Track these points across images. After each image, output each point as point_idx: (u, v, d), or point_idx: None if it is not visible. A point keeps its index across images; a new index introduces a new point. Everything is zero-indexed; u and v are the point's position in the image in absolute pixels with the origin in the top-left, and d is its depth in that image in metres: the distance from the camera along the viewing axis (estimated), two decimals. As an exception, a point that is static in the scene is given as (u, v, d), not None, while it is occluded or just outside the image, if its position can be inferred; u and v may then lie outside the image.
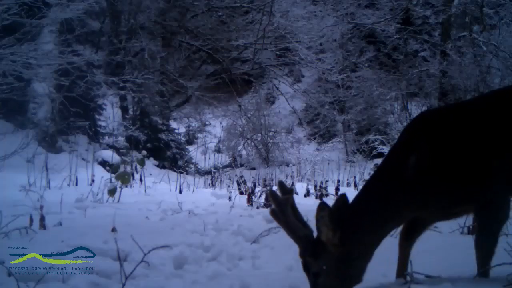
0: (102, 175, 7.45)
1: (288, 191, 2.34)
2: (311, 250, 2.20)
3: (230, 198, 6.63)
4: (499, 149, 2.22)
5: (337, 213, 2.16)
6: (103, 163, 10.96)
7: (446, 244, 3.13)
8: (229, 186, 8.84)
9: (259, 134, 17.25)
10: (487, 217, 2.23)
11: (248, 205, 6.07)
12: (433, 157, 2.23)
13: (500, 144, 2.22)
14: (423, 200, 2.23)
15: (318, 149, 17.44)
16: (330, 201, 6.55)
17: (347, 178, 10.47)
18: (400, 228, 2.47)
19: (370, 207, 2.23)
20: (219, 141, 18.45)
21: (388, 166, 2.35)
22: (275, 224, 4.64)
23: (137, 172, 8.58)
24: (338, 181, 8.68)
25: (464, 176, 2.20)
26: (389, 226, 2.30)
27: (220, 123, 18.92)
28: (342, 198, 2.28)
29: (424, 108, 14.52)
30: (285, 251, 3.66)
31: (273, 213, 2.28)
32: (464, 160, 2.21)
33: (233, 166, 15.61)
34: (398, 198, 2.22)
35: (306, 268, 2.23)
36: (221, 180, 10.89)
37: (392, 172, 2.28)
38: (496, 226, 2.23)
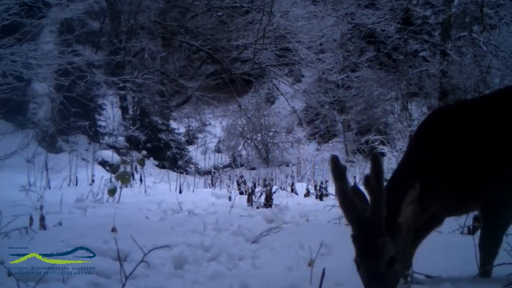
0: (102, 175, 7.45)
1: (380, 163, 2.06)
2: (388, 232, 1.97)
3: (230, 198, 6.62)
4: (507, 148, 2.21)
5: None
6: (103, 163, 10.95)
7: (446, 244, 3.12)
8: (229, 186, 8.83)
9: (259, 134, 17.26)
10: (493, 216, 2.22)
11: (248, 205, 6.06)
12: (445, 156, 2.24)
13: (508, 143, 2.22)
14: (435, 198, 2.23)
15: (318, 149, 17.45)
16: (330, 201, 6.55)
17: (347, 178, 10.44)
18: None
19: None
20: (219, 141, 18.46)
21: (412, 154, 2.34)
22: (275, 224, 4.66)
23: (137, 172, 8.57)
24: (338, 181, 8.66)
25: (473, 175, 2.21)
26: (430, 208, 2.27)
27: (220, 123, 18.92)
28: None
29: (424, 108, 14.53)
30: (285, 251, 3.67)
31: (369, 180, 1.98)
32: (473, 159, 2.22)
33: (233, 166, 15.61)
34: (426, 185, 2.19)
35: (373, 255, 1.96)
36: (221, 180, 10.88)
37: (409, 169, 2.27)
38: (501, 226, 2.23)
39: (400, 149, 11.54)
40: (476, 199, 2.25)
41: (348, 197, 2.02)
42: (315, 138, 18.75)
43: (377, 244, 1.95)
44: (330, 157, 2.11)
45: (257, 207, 5.90)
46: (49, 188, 7.04)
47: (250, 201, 6.14)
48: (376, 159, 2.01)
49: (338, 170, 2.05)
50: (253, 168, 15.67)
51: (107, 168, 9.55)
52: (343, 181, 2.03)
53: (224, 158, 17.36)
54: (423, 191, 2.22)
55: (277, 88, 18.33)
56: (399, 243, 2.01)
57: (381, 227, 1.96)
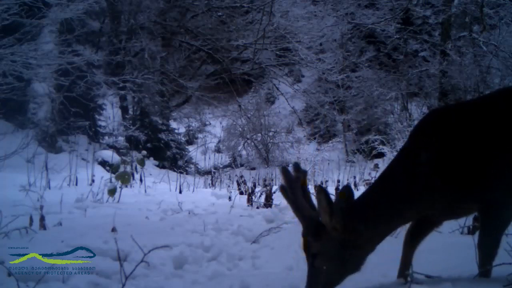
0: (102, 175, 7.44)
1: (301, 172, 2.33)
2: (312, 231, 2.21)
3: (230, 198, 6.62)
4: (506, 148, 2.21)
5: (344, 201, 2.17)
6: (103, 163, 10.95)
7: (446, 244, 3.12)
8: (229, 186, 8.83)
9: (259, 134, 17.25)
10: (491, 217, 2.22)
11: (248, 205, 6.06)
12: (442, 155, 2.23)
13: (507, 144, 2.22)
14: (432, 198, 2.23)
15: (318, 149, 17.44)
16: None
17: (347, 178, 10.45)
18: (403, 228, 2.47)
19: (379, 201, 2.25)
20: (219, 141, 18.45)
21: (399, 163, 2.36)
22: (275, 224, 4.66)
23: (137, 172, 8.57)
24: (338, 181, 8.66)
25: (471, 175, 2.20)
26: (395, 223, 2.31)
27: (220, 123, 18.92)
28: (347, 188, 2.26)
29: (424, 108, 14.52)
30: (285, 251, 3.67)
31: (282, 189, 2.28)
32: (471, 158, 2.21)
33: (233, 166, 15.60)
34: (407, 195, 2.23)
35: (307, 248, 2.25)
36: (221, 180, 10.88)
37: (403, 168, 2.29)
38: (499, 227, 2.22)
39: (400, 149, 11.53)
40: (476, 199, 2.24)
41: (298, 199, 2.27)
42: (315, 138, 18.73)
43: (306, 240, 2.25)
44: (281, 169, 2.38)
45: (257, 207, 5.89)
46: (49, 188, 7.03)
47: (250, 201, 6.14)
48: (285, 172, 2.29)
49: (290, 181, 2.28)
50: (253, 168, 15.67)
51: (107, 168, 9.54)
52: (293, 194, 2.26)
53: (224, 158, 17.35)
54: (421, 190, 2.23)
55: (277, 88, 18.33)
56: (326, 242, 2.18)
57: (307, 227, 2.23)
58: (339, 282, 2.23)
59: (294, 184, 2.26)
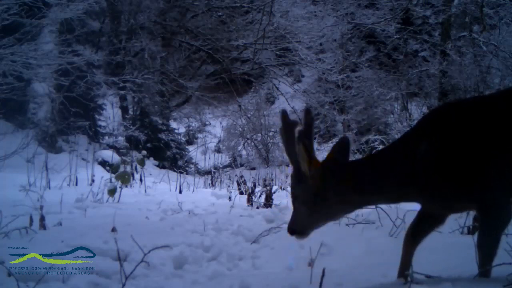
0: (102, 175, 7.45)
1: (309, 118, 2.42)
2: (297, 174, 2.36)
3: (230, 198, 6.62)
4: (506, 148, 2.21)
5: (336, 155, 2.34)
6: (103, 163, 10.95)
7: (446, 244, 3.12)
8: (229, 186, 8.83)
9: (259, 134, 17.25)
10: (490, 217, 2.21)
11: (248, 205, 6.06)
12: (442, 154, 2.23)
13: (507, 144, 2.21)
14: (424, 188, 2.24)
15: (318, 149, 17.42)
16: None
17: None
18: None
19: (368, 170, 2.34)
20: (219, 141, 18.45)
21: (400, 146, 2.43)
22: (275, 224, 4.66)
23: (137, 172, 8.57)
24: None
25: (470, 174, 2.20)
26: (377, 197, 2.41)
27: (220, 123, 18.92)
28: (344, 140, 2.42)
29: (424, 108, 14.52)
30: (285, 251, 3.66)
31: (280, 131, 2.46)
32: (471, 158, 2.20)
33: (233, 166, 15.61)
34: (397, 176, 2.27)
35: (292, 188, 2.45)
36: (221, 180, 10.88)
37: (400, 167, 2.29)
38: (498, 226, 2.22)
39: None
40: (475, 198, 2.24)
41: (291, 142, 2.36)
42: (315, 138, 18.70)
43: (292, 181, 2.44)
44: (280, 111, 2.52)
45: (257, 207, 5.89)
46: (49, 188, 7.04)
47: (250, 201, 6.14)
48: (283, 115, 2.44)
49: (286, 125, 2.41)
50: (253, 168, 15.65)
51: (107, 168, 9.55)
52: (287, 137, 2.38)
53: (224, 158, 17.35)
54: (420, 190, 2.23)
55: (277, 88, 18.30)
56: (303, 187, 2.34)
57: (295, 170, 2.38)
58: (316, 225, 2.39)
59: (291, 128, 2.36)
